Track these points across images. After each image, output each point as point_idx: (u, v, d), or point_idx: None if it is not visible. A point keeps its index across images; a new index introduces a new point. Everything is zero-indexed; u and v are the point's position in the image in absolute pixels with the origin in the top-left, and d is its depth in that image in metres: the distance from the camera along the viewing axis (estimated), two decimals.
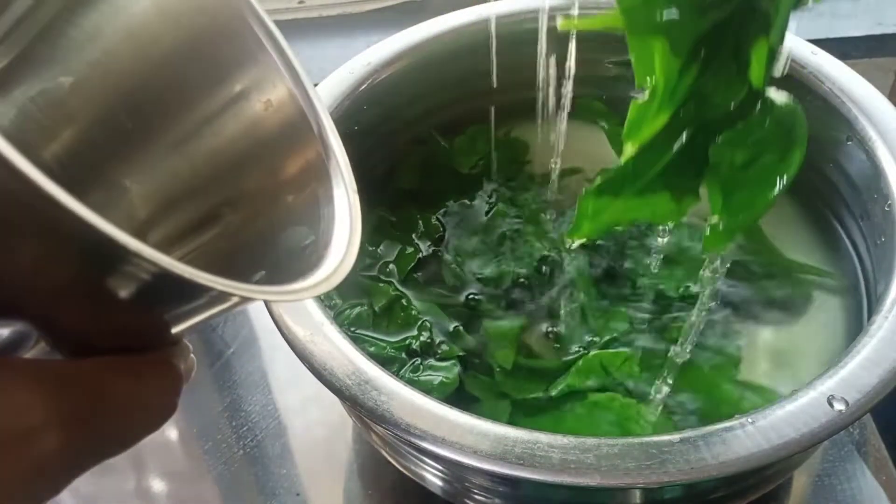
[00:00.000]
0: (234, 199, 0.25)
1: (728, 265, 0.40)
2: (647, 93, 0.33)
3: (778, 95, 0.34)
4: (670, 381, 0.41)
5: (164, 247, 0.24)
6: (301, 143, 0.25)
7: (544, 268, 0.47)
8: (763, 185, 0.35)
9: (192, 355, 0.22)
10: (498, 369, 0.43)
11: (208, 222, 0.25)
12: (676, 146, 0.35)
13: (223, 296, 0.19)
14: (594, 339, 0.44)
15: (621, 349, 0.43)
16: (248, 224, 0.25)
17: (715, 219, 0.35)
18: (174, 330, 0.20)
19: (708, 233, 0.35)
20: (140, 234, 0.16)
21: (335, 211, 0.24)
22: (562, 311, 0.45)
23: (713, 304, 0.45)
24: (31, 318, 0.18)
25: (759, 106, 0.33)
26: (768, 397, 0.41)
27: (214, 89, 0.25)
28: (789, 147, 0.34)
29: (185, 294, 0.18)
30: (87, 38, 0.24)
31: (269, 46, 0.25)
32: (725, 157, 0.35)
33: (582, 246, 0.48)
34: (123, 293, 0.17)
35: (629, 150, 0.34)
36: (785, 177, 0.34)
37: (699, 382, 0.42)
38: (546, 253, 0.48)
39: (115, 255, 0.16)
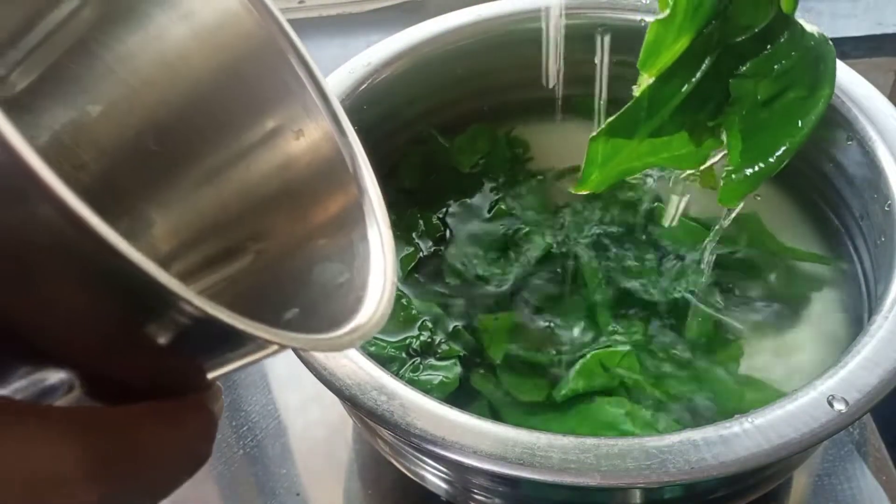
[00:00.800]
0: (264, 234, 0.24)
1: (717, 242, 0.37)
2: (668, 11, 0.30)
3: (808, 25, 0.31)
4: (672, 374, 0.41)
5: (188, 279, 0.24)
6: (335, 179, 0.24)
7: (546, 266, 0.47)
8: (786, 125, 0.31)
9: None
10: (498, 365, 0.43)
11: (235, 257, 0.24)
12: (697, 76, 0.31)
13: (270, 344, 0.18)
14: (595, 335, 0.44)
15: (619, 347, 0.43)
16: (279, 261, 0.24)
17: (732, 168, 0.33)
18: (210, 375, 0.19)
19: (724, 182, 0.32)
20: (163, 266, 0.16)
21: (370, 248, 0.23)
22: (562, 310, 0.45)
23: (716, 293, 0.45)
24: (66, 365, 0.18)
25: (786, 34, 0.30)
26: (770, 393, 0.41)
27: (249, 122, 0.24)
28: (817, 83, 0.31)
29: (232, 342, 0.18)
30: (118, 61, 0.23)
31: (306, 81, 0.24)
32: (748, 90, 0.31)
33: (583, 244, 0.48)
34: (166, 341, 0.17)
35: (645, 79, 0.31)
36: (810, 117, 0.31)
37: (701, 377, 0.42)
38: (547, 252, 0.48)
39: (166, 302, 0.15)
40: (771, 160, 0.33)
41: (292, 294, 0.23)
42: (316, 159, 0.25)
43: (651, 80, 0.31)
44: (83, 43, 0.23)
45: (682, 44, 0.31)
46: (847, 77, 0.47)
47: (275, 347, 0.19)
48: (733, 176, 0.33)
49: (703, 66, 0.31)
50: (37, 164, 0.13)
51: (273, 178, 0.24)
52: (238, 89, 0.24)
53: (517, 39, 0.53)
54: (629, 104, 0.32)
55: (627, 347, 0.43)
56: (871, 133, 0.44)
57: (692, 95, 0.32)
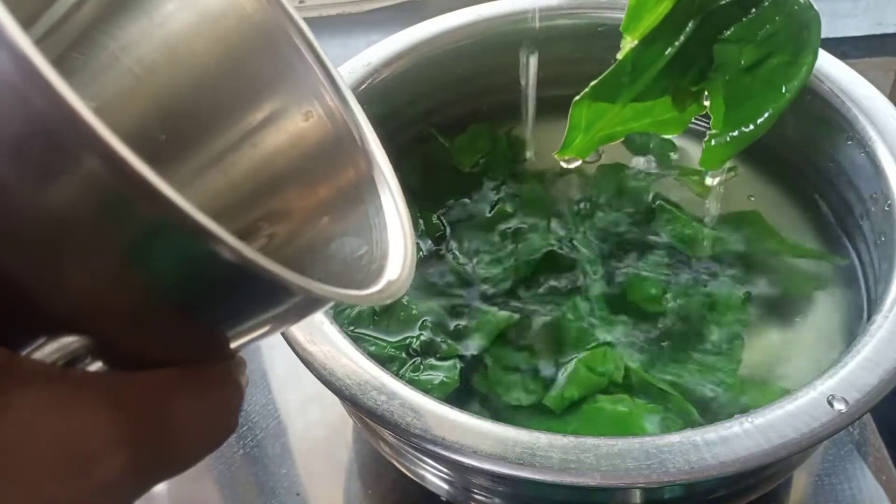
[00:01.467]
0: (277, 214, 0.24)
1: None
2: None
3: None
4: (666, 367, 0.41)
5: None
6: (345, 155, 0.25)
7: (546, 266, 0.47)
8: (769, 90, 0.31)
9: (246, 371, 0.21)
10: (490, 366, 0.43)
11: (249, 239, 0.24)
12: (681, 39, 0.31)
13: (305, 302, 0.18)
14: (595, 334, 0.44)
15: (600, 346, 0.43)
16: (295, 240, 0.24)
17: (715, 132, 0.33)
18: (234, 344, 0.19)
19: (706, 147, 0.32)
20: None
21: (386, 218, 0.23)
22: (562, 309, 0.45)
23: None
24: (87, 332, 0.17)
25: None
26: (770, 392, 0.41)
27: (255, 105, 0.24)
28: (800, 49, 0.31)
29: (264, 298, 0.18)
30: (122, 49, 0.23)
31: (310, 60, 0.24)
32: (732, 55, 0.31)
33: (584, 243, 0.48)
34: (195, 301, 0.17)
35: (628, 43, 0.31)
36: (793, 83, 0.31)
37: (700, 372, 0.42)
38: (548, 252, 0.48)
39: (201, 250, 0.15)
40: (753, 126, 0.33)
41: (311, 271, 0.23)
42: (324, 136, 0.25)
43: (634, 44, 0.31)
44: (88, 33, 0.23)
45: (664, 6, 0.31)
46: (847, 77, 0.47)
47: (302, 308, 0.18)
48: (714, 140, 0.33)
49: (687, 30, 0.31)
50: (83, 111, 0.13)
51: (282, 157, 0.24)
52: (243, 72, 0.24)
53: (517, 39, 0.53)
54: (612, 67, 0.31)
55: (613, 346, 0.43)
56: (871, 133, 0.44)
57: (675, 59, 0.31)
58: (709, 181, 0.46)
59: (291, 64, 0.24)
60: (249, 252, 0.15)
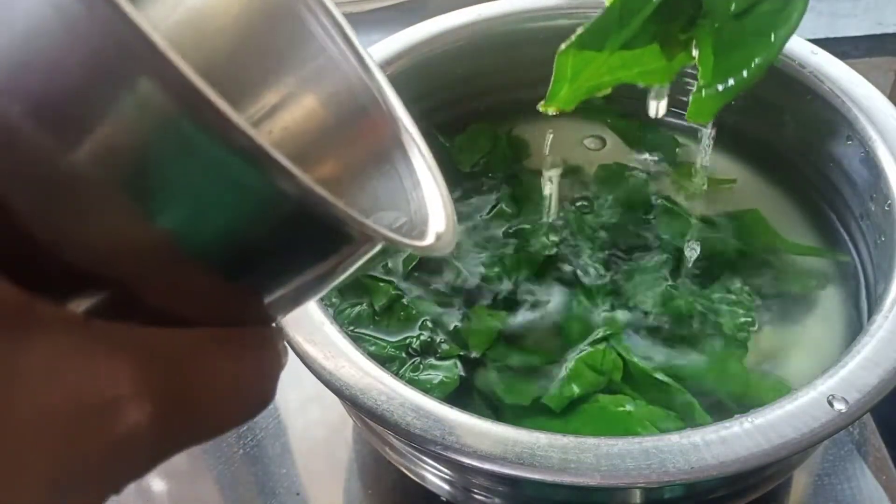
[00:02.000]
0: None
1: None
2: None
3: None
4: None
5: None
6: (373, 123, 0.24)
7: (547, 266, 0.47)
8: (759, 39, 0.31)
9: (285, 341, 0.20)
10: (489, 365, 0.43)
11: None
12: None
13: (358, 251, 0.17)
14: (597, 333, 0.44)
15: (600, 345, 0.43)
16: None
17: (703, 83, 0.32)
18: (274, 307, 0.18)
19: (694, 98, 0.31)
20: None
21: (421, 184, 0.23)
22: (563, 307, 0.45)
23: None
24: (113, 286, 0.16)
25: None
26: (777, 385, 0.41)
27: (277, 78, 0.24)
28: None
29: (318, 248, 0.16)
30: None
31: (330, 27, 0.24)
32: (721, 1, 0.30)
33: (586, 243, 0.48)
34: (245, 251, 0.16)
35: None
36: (782, 31, 0.31)
37: (706, 361, 0.42)
38: (549, 251, 0.48)
39: (255, 181, 0.14)
40: (743, 75, 0.32)
41: None
42: (350, 105, 0.24)
43: None
44: None
45: None
46: (847, 77, 0.47)
47: (352, 260, 0.17)
48: (704, 91, 0.32)
49: None
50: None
51: (309, 132, 0.24)
52: (266, 44, 0.24)
53: (517, 39, 0.53)
54: (599, 14, 0.30)
55: (613, 345, 0.43)
56: (871, 133, 0.44)
57: (664, 5, 0.31)
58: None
59: (313, 33, 0.24)
60: (314, 185, 0.14)
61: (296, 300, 0.19)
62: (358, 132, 0.24)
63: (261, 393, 0.18)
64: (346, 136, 0.24)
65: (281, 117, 0.24)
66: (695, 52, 0.32)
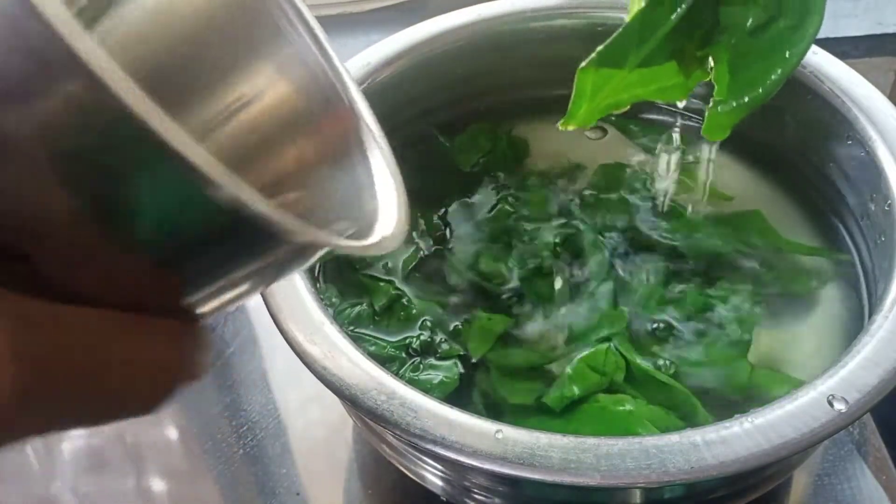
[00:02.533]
0: (268, 184, 0.23)
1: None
2: None
3: None
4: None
5: None
6: (335, 118, 0.24)
7: (548, 265, 0.47)
8: (774, 55, 0.31)
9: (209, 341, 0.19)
10: (492, 365, 0.43)
11: None
12: (688, 0, 0.31)
13: (290, 251, 0.17)
14: (599, 333, 0.44)
15: (602, 345, 0.43)
16: (287, 208, 0.23)
17: (719, 99, 0.32)
18: (197, 303, 0.17)
19: (710, 114, 0.32)
20: None
21: (378, 187, 0.23)
22: (564, 307, 0.45)
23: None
24: (14, 255, 0.16)
25: None
26: (782, 380, 0.41)
27: (239, 69, 0.24)
28: (806, 13, 0.31)
29: (239, 244, 0.16)
30: (103, 13, 0.23)
31: (296, 21, 0.24)
32: (738, 17, 0.30)
33: (588, 242, 0.48)
34: (158, 238, 0.15)
35: (636, 4, 0.31)
36: (798, 47, 0.31)
37: (710, 356, 0.42)
38: (550, 251, 0.48)
39: (184, 180, 0.14)
40: (758, 91, 0.32)
41: None
42: (312, 100, 0.24)
43: (642, 5, 0.30)
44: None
45: None
46: (847, 77, 0.47)
47: (284, 261, 0.17)
48: (720, 108, 0.32)
49: None
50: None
51: (269, 121, 0.24)
52: (226, 35, 0.23)
53: (517, 39, 0.53)
54: (619, 31, 0.31)
55: (607, 344, 0.43)
56: (871, 133, 0.44)
57: (682, 21, 0.31)
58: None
59: (278, 25, 0.24)
60: (246, 190, 0.14)
61: (222, 297, 0.18)
62: (319, 126, 0.24)
63: (156, 388, 0.17)
64: (307, 130, 0.24)
65: (243, 108, 0.24)
66: (710, 69, 0.32)
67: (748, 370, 0.42)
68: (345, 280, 0.47)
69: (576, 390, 0.41)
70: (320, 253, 0.18)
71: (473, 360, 0.43)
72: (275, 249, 0.16)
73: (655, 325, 0.44)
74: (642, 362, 0.42)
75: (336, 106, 0.24)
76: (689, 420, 0.40)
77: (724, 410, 0.40)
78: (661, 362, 0.42)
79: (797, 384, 0.41)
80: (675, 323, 0.44)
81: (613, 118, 0.55)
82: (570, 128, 0.34)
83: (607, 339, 0.43)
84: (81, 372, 0.16)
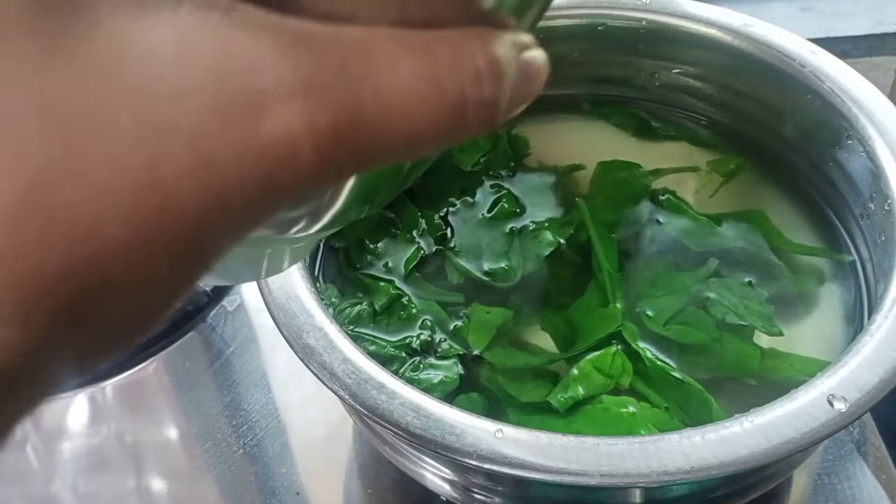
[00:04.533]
0: None
1: None
2: None
3: None
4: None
5: None
6: None
7: (548, 265, 0.47)
8: None
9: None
10: (495, 362, 0.43)
11: None
12: None
13: None
14: (602, 332, 0.44)
15: (610, 348, 0.43)
16: None
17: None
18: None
19: None
20: None
21: None
22: (566, 307, 0.45)
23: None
24: None
25: None
26: (794, 361, 0.42)
27: None
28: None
29: None
30: None
31: None
32: None
33: (590, 241, 0.48)
34: None
35: None
36: None
37: (718, 347, 0.43)
38: (551, 250, 0.48)
39: None
40: None
41: None
42: None
43: None
44: None
45: None
46: (847, 77, 0.46)
47: None
48: None
49: None
50: None
51: None
52: None
53: None
54: None
55: (613, 345, 0.43)
56: (871, 133, 0.44)
57: None
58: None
59: None
60: None
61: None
62: None
63: (453, 106, 0.14)
64: None
65: None
66: None
67: (758, 355, 0.42)
68: (345, 279, 0.47)
69: (580, 391, 0.41)
70: None
71: (475, 353, 0.43)
72: None
73: (662, 326, 0.44)
74: (654, 357, 0.42)
75: None
76: (702, 419, 0.40)
77: (737, 407, 0.40)
78: (669, 359, 0.42)
79: (808, 363, 0.41)
80: (679, 319, 0.44)
81: (587, 106, 0.55)
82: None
83: (612, 337, 0.43)
84: (361, 99, 0.13)
